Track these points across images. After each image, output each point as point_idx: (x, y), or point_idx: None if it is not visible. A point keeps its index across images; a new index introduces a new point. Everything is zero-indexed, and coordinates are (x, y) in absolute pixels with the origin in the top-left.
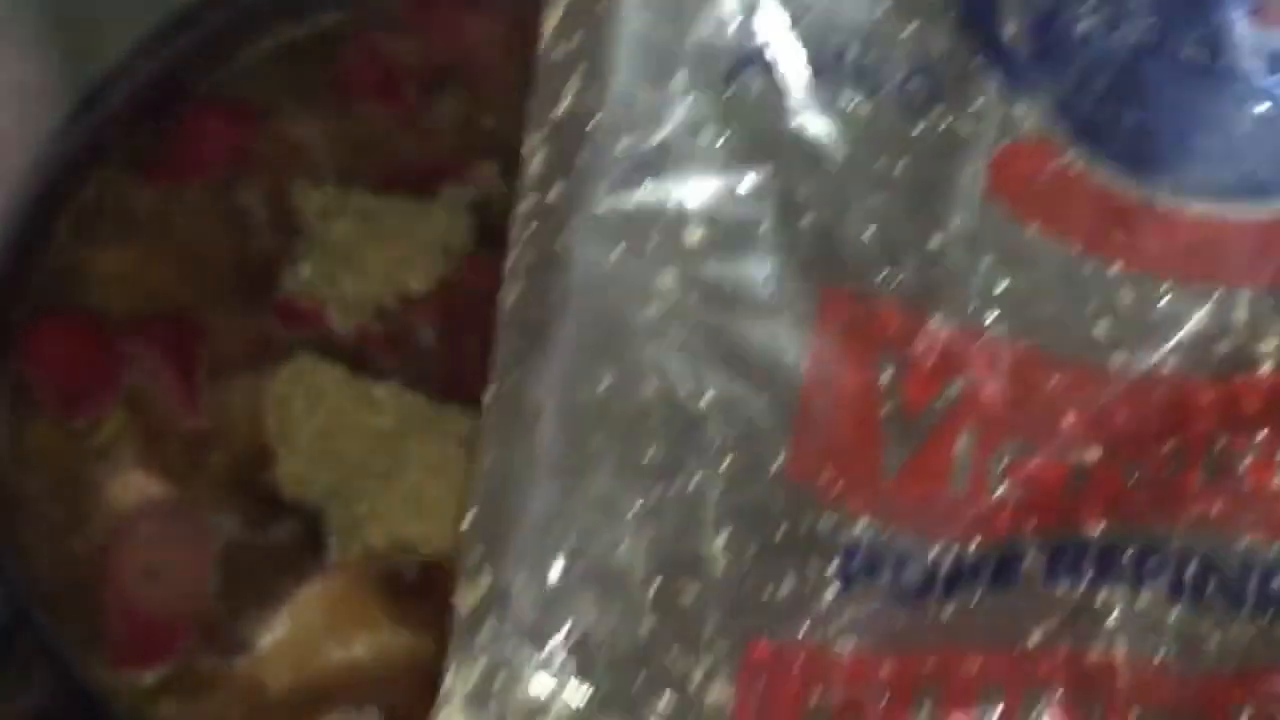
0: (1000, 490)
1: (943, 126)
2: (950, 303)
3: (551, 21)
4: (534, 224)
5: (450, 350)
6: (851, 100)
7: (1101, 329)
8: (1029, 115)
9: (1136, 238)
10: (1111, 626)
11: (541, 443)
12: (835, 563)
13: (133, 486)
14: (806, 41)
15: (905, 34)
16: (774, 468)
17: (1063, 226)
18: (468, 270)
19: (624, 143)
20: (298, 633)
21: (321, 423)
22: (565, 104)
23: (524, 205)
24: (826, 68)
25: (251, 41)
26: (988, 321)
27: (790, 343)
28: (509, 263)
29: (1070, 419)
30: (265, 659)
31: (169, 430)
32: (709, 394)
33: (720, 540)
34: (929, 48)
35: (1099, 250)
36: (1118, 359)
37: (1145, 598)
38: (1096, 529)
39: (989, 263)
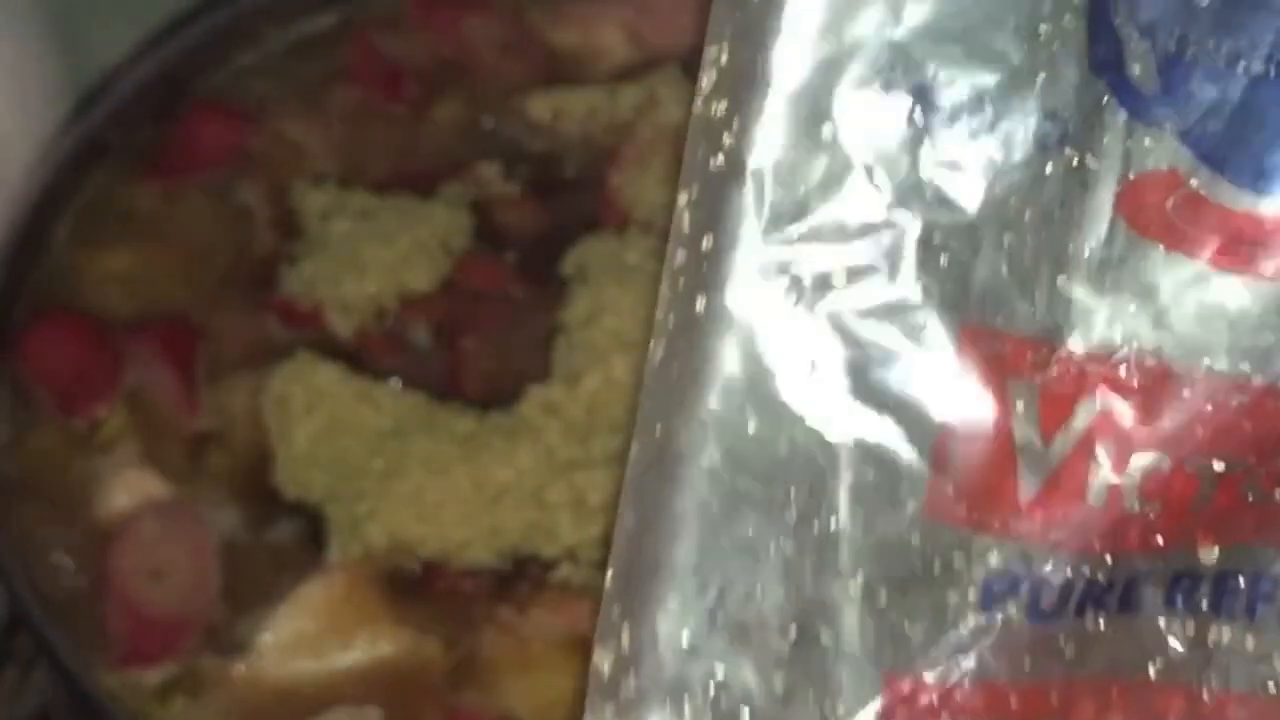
0: (1134, 503)
1: (1073, 164)
2: (1081, 328)
3: (707, 81)
4: (684, 276)
5: (450, 350)
6: (986, 146)
7: (1227, 343)
8: (1154, 148)
9: (1261, 250)
10: (1224, 662)
11: (686, 489)
12: (971, 595)
13: (133, 487)
14: (944, 92)
15: (1036, 83)
16: (911, 507)
17: (1188, 246)
18: (467, 270)
19: (773, 194)
20: (298, 633)
21: (321, 423)
22: (719, 159)
23: (675, 259)
24: (963, 116)
25: (251, 41)
26: (1117, 341)
27: (928, 380)
28: (659, 315)
29: (1199, 431)
30: (266, 659)
31: (169, 430)
32: (851, 435)
33: (856, 582)
34: (1058, 93)
35: (1224, 265)
36: (1244, 370)
37: (1255, 633)
38: (1211, 555)
39: (1117, 287)
